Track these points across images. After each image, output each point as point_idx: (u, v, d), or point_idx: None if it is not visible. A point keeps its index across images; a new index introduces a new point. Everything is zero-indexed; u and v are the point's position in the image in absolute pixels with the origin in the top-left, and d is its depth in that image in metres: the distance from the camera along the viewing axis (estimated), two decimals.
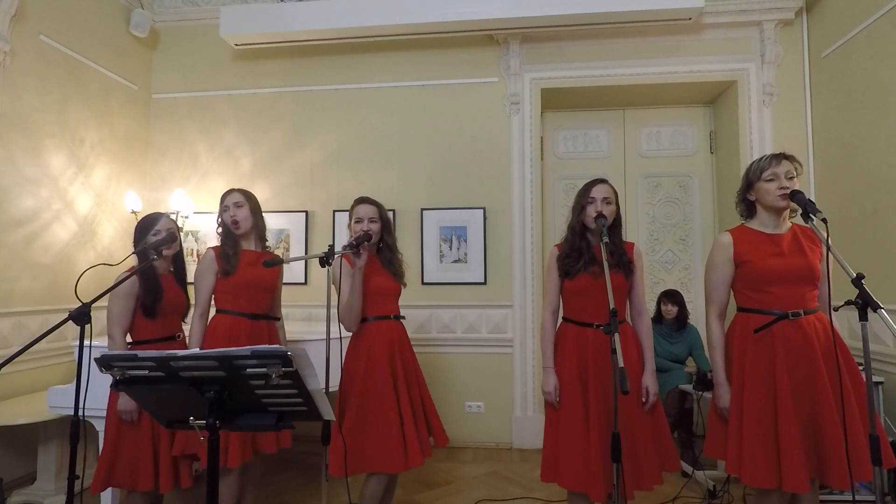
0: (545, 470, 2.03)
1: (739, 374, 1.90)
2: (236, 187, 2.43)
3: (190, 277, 2.36)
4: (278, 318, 2.50)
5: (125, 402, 2.07)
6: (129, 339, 2.18)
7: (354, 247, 2.09)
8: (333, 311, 2.09)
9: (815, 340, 1.81)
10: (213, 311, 2.36)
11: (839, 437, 1.70)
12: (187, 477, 2.19)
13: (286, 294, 2.63)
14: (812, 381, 1.79)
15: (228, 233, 2.35)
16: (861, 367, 2.56)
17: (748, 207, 2.01)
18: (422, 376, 2.36)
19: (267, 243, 2.49)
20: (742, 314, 1.96)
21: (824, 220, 1.68)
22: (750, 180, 1.96)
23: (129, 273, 2.06)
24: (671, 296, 3.73)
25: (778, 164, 1.88)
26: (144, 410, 2.07)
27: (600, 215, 1.98)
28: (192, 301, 2.33)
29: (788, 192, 1.84)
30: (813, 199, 1.84)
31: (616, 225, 2.08)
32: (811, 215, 1.72)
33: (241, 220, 2.32)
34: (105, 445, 2.12)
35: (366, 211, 2.26)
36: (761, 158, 1.94)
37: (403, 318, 2.37)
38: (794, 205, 1.85)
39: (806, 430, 1.78)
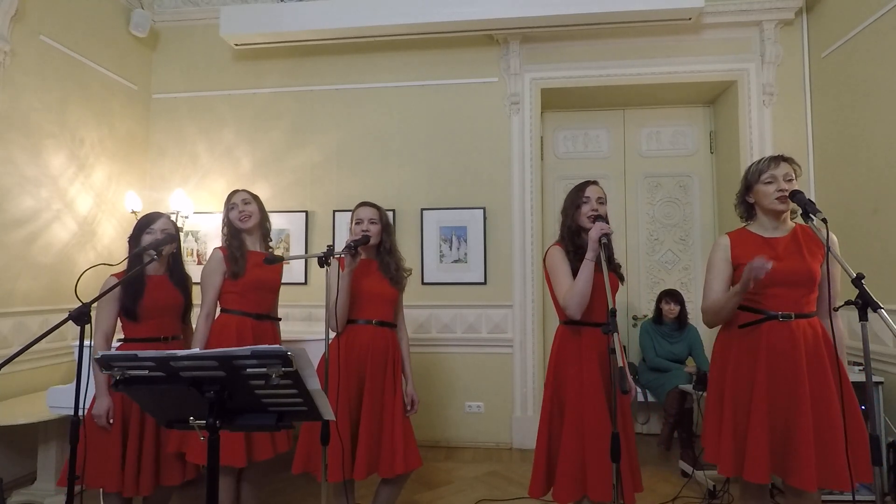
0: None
1: (723, 368, 1.95)
2: (240, 188, 2.46)
3: (193, 277, 2.36)
4: (280, 319, 2.51)
5: (98, 407, 2.03)
6: (121, 335, 2.16)
7: (352, 248, 2.10)
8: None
9: (801, 344, 1.82)
10: (219, 310, 2.37)
11: (808, 441, 1.73)
12: (149, 486, 2.09)
13: (286, 294, 2.64)
14: (792, 384, 1.81)
15: (234, 233, 2.36)
16: (861, 368, 2.56)
17: (747, 210, 2.01)
18: (395, 395, 2.21)
19: (270, 243, 2.51)
20: (736, 311, 1.97)
21: (824, 220, 1.68)
22: (748, 182, 1.96)
23: (118, 279, 2.04)
24: (673, 295, 3.73)
25: (776, 166, 1.88)
26: (118, 414, 2.06)
27: (598, 217, 1.99)
28: (195, 301, 2.32)
29: (787, 194, 1.84)
30: (813, 199, 1.84)
31: None
32: (811, 215, 1.72)
33: (252, 213, 2.36)
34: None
35: (366, 213, 2.27)
36: (760, 161, 1.94)
37: (394, 325, 2.32)
38: (794, 205, 1.85)
39: (777, 430, 1.81)
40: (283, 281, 2.52)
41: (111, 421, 2.06)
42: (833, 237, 1.82)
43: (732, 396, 1.88)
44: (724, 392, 1.91)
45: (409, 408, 2.30)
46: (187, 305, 2.30)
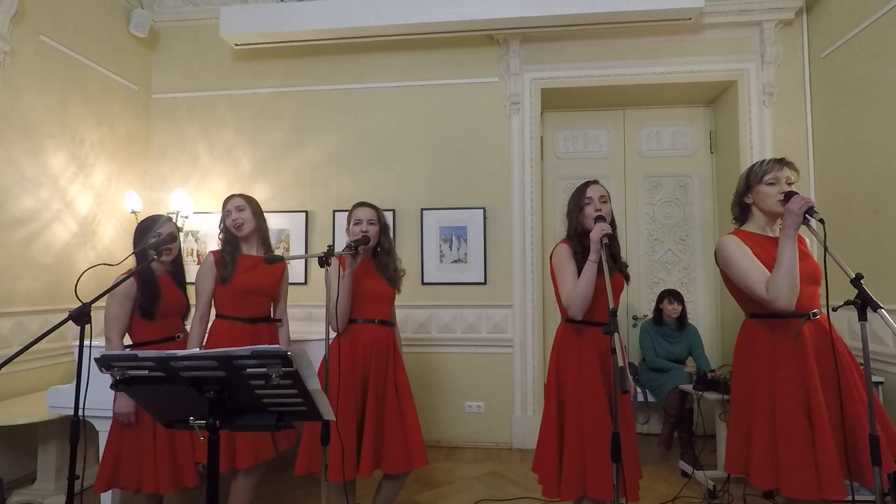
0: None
1: (769, 381, 1.82)
2: (236, 192, 2.47)
3: (190, 278, 2.38)
4: (279, 320, 2.51)
5: (121, 404, 2.09)
6: (128, 341, 2.20)
7: (353, 248, 2.11)
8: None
9: (836, 338, 1.79)
10: (214, 314, 2.38)
11: (865, 438, 1.62)
12: (194, 476, 2.19)
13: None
14: (840, 378, 1.76)
15: (229, 239, 2.38)
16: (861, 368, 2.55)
17: (742, 211, 1.99)
18: (400, 388, 2.28)
19: (270, 246, 2.53)
20: (759, 320, 1.90)
21: (822, 222, 1.68)
22: (750, 183, 1.94)
23: (126, 275, 2.08)
24: (675, 294, 3.73)
25: (780, 168, 1.88)
26: (143, 412, 2.10)
27: (600, 217, 1.99)
28: (193, 302, 2.35)
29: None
30: (812, 200, 1.84)
31: (612, 226, 2.08)
32: (809, 216, 1.72)
33: (245, 221, 2.36)
34: (107, 446, 2.13)
35: (365, 213, 2.29)
36: (763, 162, 1.93)
37: (393, 324, 2.37)
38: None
39: (837, 432, 1.72)
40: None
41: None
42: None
43: (788, 412, 1.77)
44: (776, 408, 1.79)
45: None
46: (188, 306, 2.37)
